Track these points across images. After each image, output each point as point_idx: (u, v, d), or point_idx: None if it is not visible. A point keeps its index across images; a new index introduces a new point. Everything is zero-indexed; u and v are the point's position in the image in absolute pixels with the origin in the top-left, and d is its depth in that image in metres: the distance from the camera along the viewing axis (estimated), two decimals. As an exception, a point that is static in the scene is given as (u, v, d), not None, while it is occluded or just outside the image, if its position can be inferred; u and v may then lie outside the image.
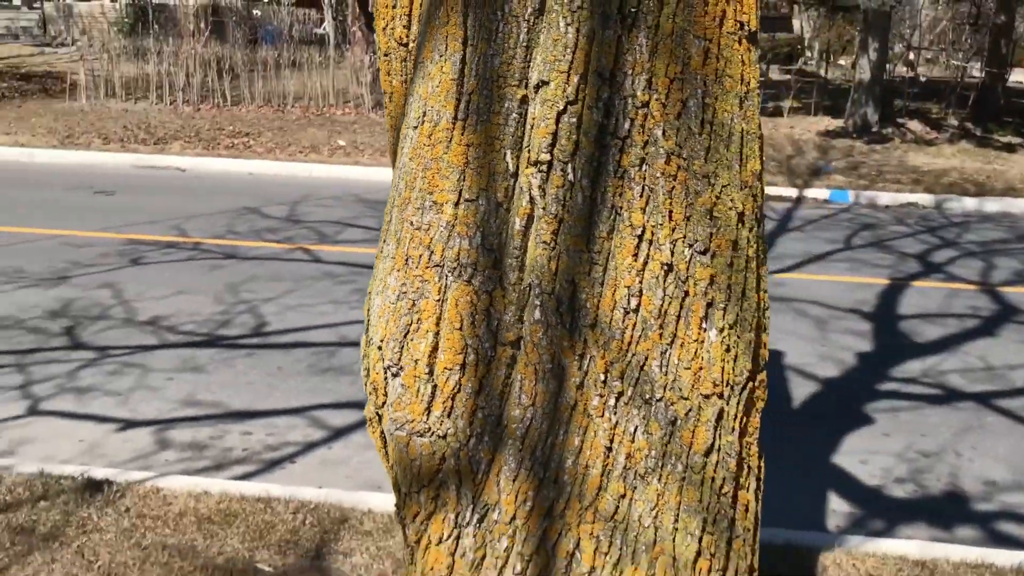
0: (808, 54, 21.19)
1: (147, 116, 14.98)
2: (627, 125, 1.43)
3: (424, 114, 1.50)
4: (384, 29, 1.61)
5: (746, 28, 1.47)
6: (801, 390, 6.18)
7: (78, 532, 3.95)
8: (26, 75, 17.87)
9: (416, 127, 1.50)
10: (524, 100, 1.45)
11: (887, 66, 16.33)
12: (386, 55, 1.62)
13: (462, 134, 1.47)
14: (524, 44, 1.44)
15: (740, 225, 1.50)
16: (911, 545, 4.31)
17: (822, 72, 18.92)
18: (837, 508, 4.76)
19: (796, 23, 22.55)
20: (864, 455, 5.29)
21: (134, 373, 5.98)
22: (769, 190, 12.51)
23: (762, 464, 1.69)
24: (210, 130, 14.18)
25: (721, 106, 1.46)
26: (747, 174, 1.51)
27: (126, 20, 19.11)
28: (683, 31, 1.41)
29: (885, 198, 11.95)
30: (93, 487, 4.30)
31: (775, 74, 18.04)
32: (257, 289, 7.59)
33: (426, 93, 1.49)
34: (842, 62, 20.01)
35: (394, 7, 1.57)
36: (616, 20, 1.40)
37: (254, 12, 19.94)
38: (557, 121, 1.43)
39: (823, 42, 19.97)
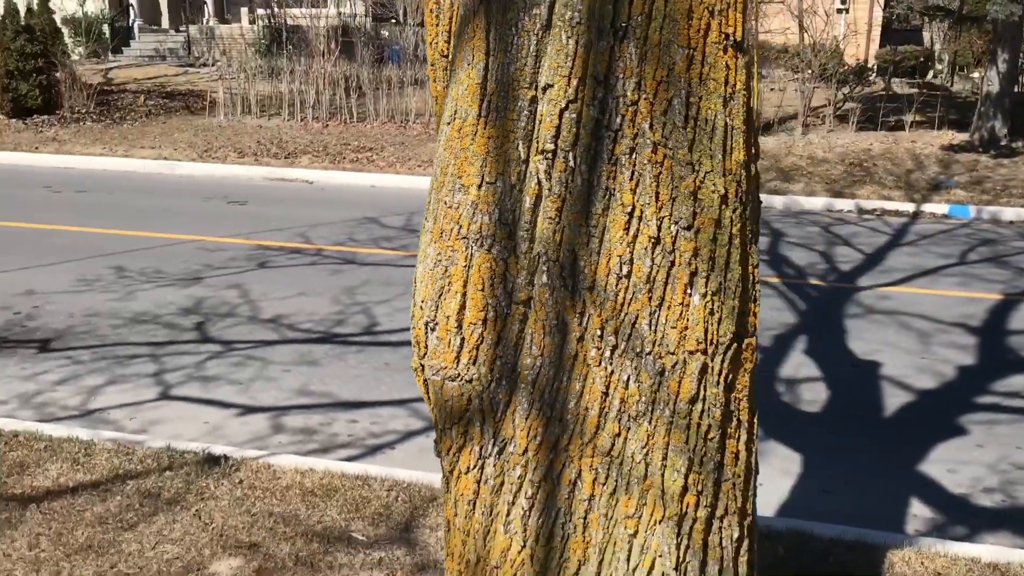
0: (938, 66, 20.65)
1: (279, 131, 15.84)
2: (619, 120, 1.71)
3: (455, 112, 1.81)
4: (431, 43, 1.93)
5: (731, 39, 1.73)
6: (894, 400, 6.22)
7: (196, 498, 4.41)
8: (171, 93, 19.11)
9: (449, 123, 1.82)
10: (534, 100, 1.75)
11: (1018, 78, 15.82)
12: (432, 65, 1.94)
13: (484, 128, 1.78)
14: (534, 54, 1.74)
15: (723, 206, 1.75)
16: (984, 548, 4.35)
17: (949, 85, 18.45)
18: (918, 513, 4.83)
19: (926, 35, 22.01)
20: (953, 464, 5.32)
21: (255, 365, 6.50)
22: (884, 204, 12.35)
23: (755, 420, 1.93)
24: (336, 145, 14.91)
25: (705, 104, 1.72)
26: (731, 163, 1.76)
27: (263, 41, 20.21)
28: (668, 41, 1.68)
29: (1009, 214, 11.64)
30: (212, 461, 4.77)
31: (901, 87, 17.70)
32: (371, 292, 8.07)
33: (457, 95, 1.81)
34: (975, 75, 19.42)
35: (437, 25, 1.89)
36: (609, 33, 1.68)
37: (382, 32, 20.72)
38: (560, 117, 1.72)
39: (951, 54, 19.46)
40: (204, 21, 24.03)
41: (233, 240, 9.98)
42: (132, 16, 26.23)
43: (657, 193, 1.71)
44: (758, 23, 15.91)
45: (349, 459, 5.15)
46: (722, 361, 1.79)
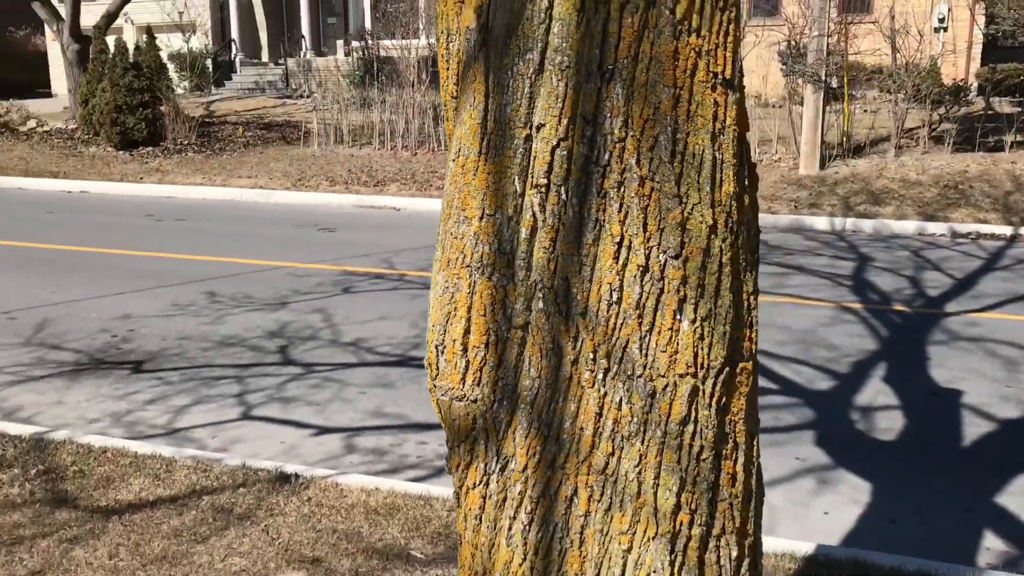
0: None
1: (369, 160, 16.29)
2: (607, 156, 1.81)
3: (459, 150, 1.95)
4: (443, 86, 2.07)
5: (720, 77, 1.81)
6: (974, 429, 6.08)
7: (266, 514, 4.62)
8: (268, 124, 19.83)
9: (455, 160, 1.96)
10: (528, 138, 1.87)
11: None
12: (445, 105, 2.08)
13: (484, 164, 1.90)
14: (528, 96, 1.85)
15: (712, 235, 1.83)
16: (1049, 582, 4.24)
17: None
18: (991, 546, 4.73)
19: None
20: (1034, 497, 5.18)
21: (333, 387, 6.74)
22: (980, 227, 12.01)
23: (754, 443, 1.99)
24: (424, 172, 15.25)
25: (692, 140, 1.81)
26: (720, 195, 1.84)
27: (357, 72, 20.81)
28: (654, 82, 1.78)
29: (1117, 238, 11.22)
30: (283, 479, 4.99)
31: (1001, 107, 17.18)
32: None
33: (461, 134, 1.94)
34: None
35: (447, 69, 2.03)
36: (596, 75, 1.79)
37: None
38: (552, 154, 1.83)
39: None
40: (302, 54, 24.87)
41: (321, 266, 10.33)
42: (234, 51, 27.31)
43: (645, 224, 1.80)
44: (848, 44, 15.68)
45: (415, 479, 5.30)
46: (713, 384, 1.86)
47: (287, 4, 28.45)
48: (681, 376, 1.83)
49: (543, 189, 1.84)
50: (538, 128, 1.83)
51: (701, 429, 1.86)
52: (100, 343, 7.75)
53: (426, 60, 18.00)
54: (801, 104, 14.95)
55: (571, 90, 1.79)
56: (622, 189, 1.80)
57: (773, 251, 10.99)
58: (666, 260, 1.81)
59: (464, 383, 1.95)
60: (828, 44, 14.82)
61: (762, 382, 6.44)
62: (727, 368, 1.87)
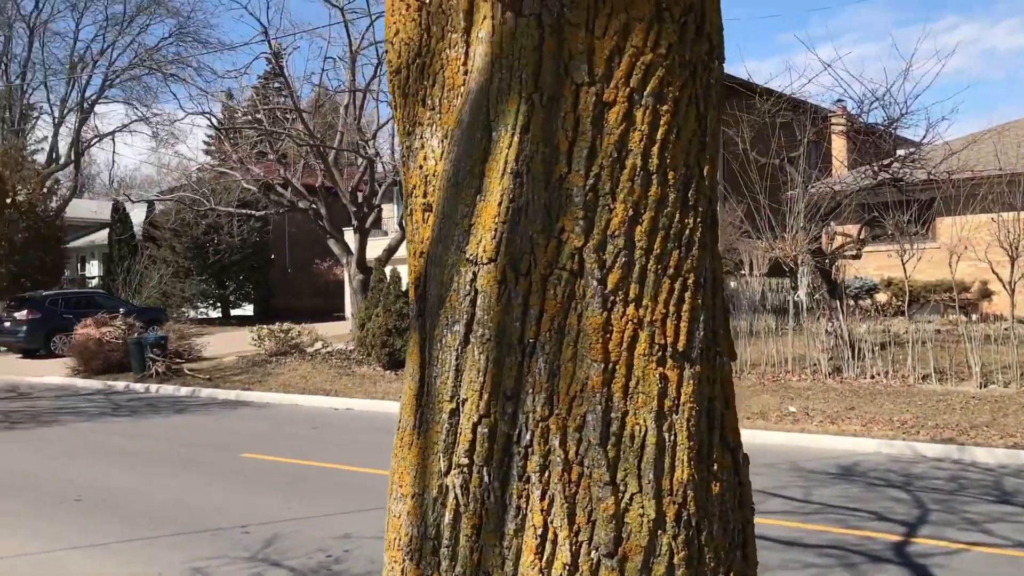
0: None
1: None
2: (528, 436, 1.62)
3: (400, 420, 1.84)
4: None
5: (670, 349, 1.60)
6: None
7: None
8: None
9: (398, 430, 1.85)
10: (453, 413, 1.73)
11: None
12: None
13: (417, 439, 1.77)
14: (454, 367, 1.73)
15: (659, 531, 1.56)
16: None
17: None
18: None
19: None
20: None
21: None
22: None
23: None
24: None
25: (631, 419, 1.59)
26: (671, 483, 1.58)
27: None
28: (582, 356, 1.60)
29: None
30: None
31: None
32: None
33: (403, 403, 1.84)
34: None
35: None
36: (517, 349, 1.64)
37: (730, 283, 21.01)
38: (474, 431, 1.67)
39: None
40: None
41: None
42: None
43: (572, 515, 1.57)
44: None
45: None
46: None
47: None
48: None
49: (465, 470, 1.67)
50: (463, 403, 1.70)
51: None
52: (314, 562, 7.97)
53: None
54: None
55: (492, 364, 1.65)
56: (546, 473, 1.60)
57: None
58: (599, 559, 1.56)
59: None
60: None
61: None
62: None
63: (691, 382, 1.62)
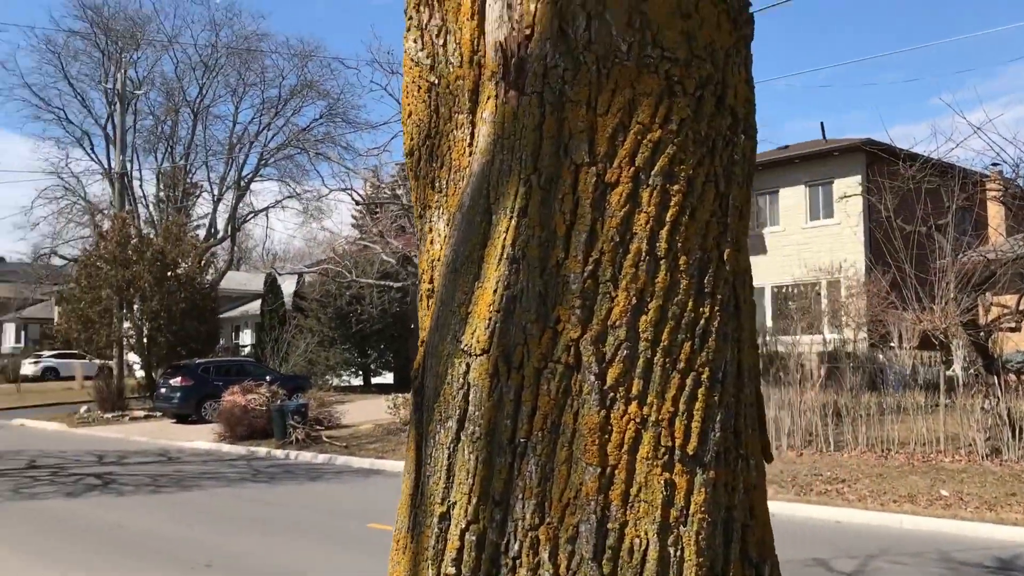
0: None
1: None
2: (516, 547, 1.47)
3: (396, 521, 1.72)
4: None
5: (679, 452, 1.43)
6: None
7: None
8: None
9: (394, 531, 1.73)
10: (443, 517, 1.59)
11: None
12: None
13: (411, 543, 1.65)
14: (446, 467, 1.60)
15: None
16: None
17: None
18: None
19: None
20: None
21: None
22: None
23: None
24: (807, 475, 14.27)
25: (631, 531, 1.41)
26: (677, 604, 1.40)
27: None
28: (576, 459, 1.45)
29: None
30: None
31: None
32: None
33: (400, 503, 1.72)
34: None
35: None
36: (508, 449, 1.50)
37: (878, 356, 20.06)
38: (461, 538, 1.53)
39: None
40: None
41: None
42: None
43: (562, 637, 1.41)
44: None
45: None
46: None
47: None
48: None
49: (453, 581, 1.54)
50: (452, 507, 1.57)
51: None
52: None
53: (822, 355, 17.37)
54: None
55: (481, 465, 1.52)
56: (535, 590, 1.45)
57: None
58: None
59: None
60: None
61: None
62: None
63: (703, 489, 1.45)
